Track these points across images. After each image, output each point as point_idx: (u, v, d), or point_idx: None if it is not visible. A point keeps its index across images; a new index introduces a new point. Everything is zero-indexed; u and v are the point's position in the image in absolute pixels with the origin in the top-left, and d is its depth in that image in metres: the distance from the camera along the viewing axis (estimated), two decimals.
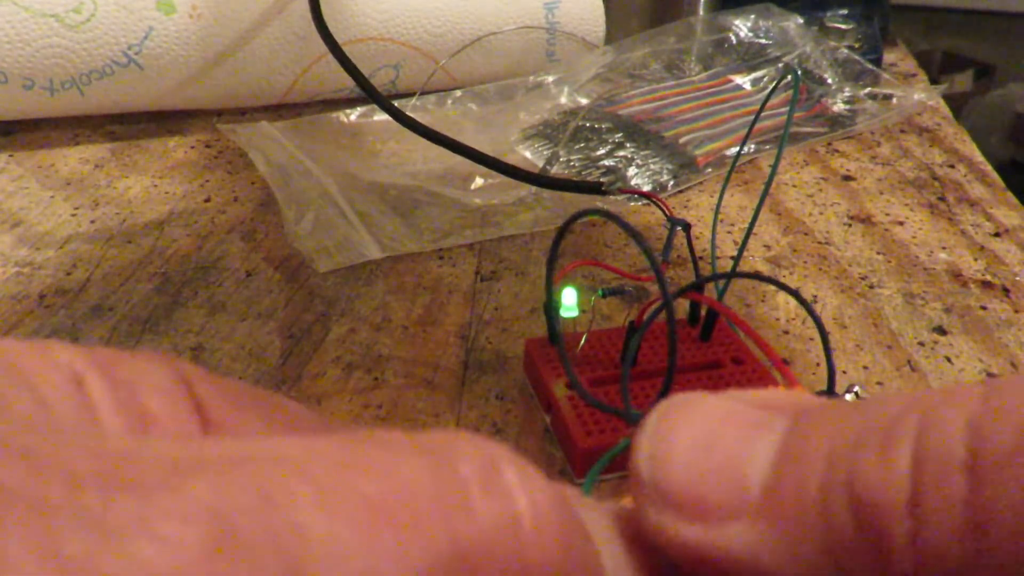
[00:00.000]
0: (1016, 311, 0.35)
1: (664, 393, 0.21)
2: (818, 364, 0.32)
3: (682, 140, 0.47)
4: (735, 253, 0.39)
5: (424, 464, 0.08)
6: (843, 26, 0.59)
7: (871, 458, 0.10)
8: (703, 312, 0.30)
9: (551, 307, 0.28)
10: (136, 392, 0.11)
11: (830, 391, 0.23)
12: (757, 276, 0.29)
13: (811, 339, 0.33)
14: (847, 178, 0.46)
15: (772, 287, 0.36)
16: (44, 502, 0.07)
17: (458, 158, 0.40)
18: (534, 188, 0.41)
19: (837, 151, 0.50)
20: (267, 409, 0.12)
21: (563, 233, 0.23)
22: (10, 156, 0.46)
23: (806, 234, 0.41)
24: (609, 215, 0.21)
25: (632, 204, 0.42)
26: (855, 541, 0.10)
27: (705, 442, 0.11)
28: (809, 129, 0.51)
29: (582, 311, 0.32)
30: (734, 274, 0.32)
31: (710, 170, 0.45)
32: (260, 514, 0.07)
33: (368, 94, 0.42)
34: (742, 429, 0.11)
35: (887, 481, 0.10)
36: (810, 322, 0.34)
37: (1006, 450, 0.09)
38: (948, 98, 0.59)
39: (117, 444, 0.08)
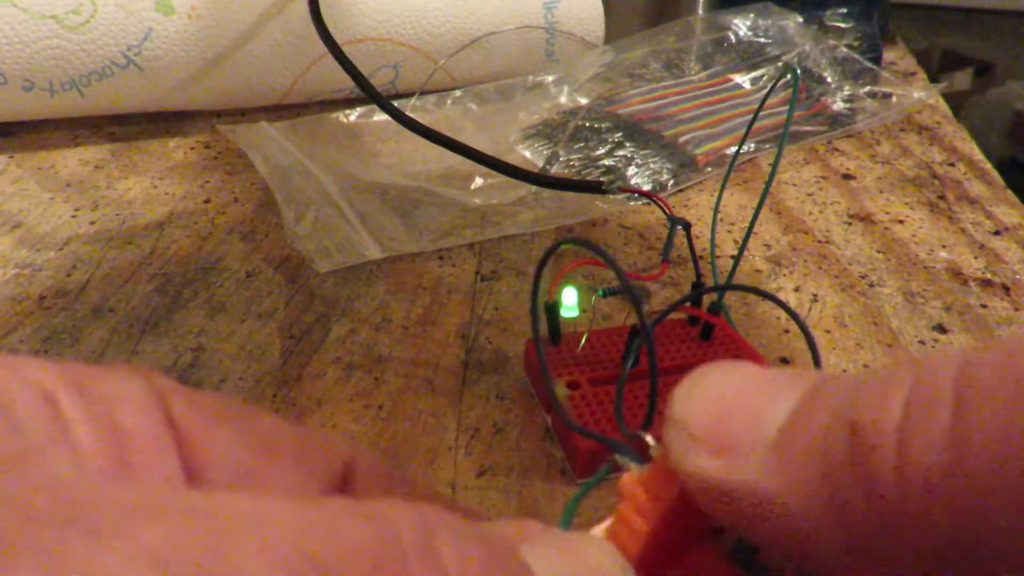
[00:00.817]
0: (1016, 309, 0.35)
1: (649, 417, 0.22)
2: (818, 363, 0.31)
3: (682, 139, 0.47)
4: (735, 252, 0.39)
5: (367, 530, 0.09)
6: (842, 25, 0.59)
7: (869, 396, 0.11)
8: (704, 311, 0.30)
9: (549, 308, 0.28)
10: (110, 408, 0.11)
11: None
12: (741, 288, 0.29)
13: None
14: (847, 177, 0.46)
15: (773, 285, 0.36)
16: (3, 533, 0.07)
17: (458, 158, 0.40)
18: (534, 188, 0.41)
19: (837, 150, 0.50)
20: (242, 424, 0.13)
21: (543, 265, 0.23)
22: (10, 157, 0.46)
23: (806, 233, 0.41)
24: (586, 244, 0.21)
25: (632, 203, 0.42)
26: (849, 466, 0.11)
27: (734, 393, 0.13)
28: (809, 128, 0.51)
29: (582, 311, 0.32)
30: (726, 287, 0.32)
31: (710, 169, 0.45)
32: (207, 564, 0.08)
33: (368, 94, 0.42)
34: (767, 387, 0.13)
35: (881, 410, 0.11)
36: (810, 320, 0.34)
37: (988, 388, 0.10)
38: (947, 96, 0.59)
39: (79, 487, 0.09)
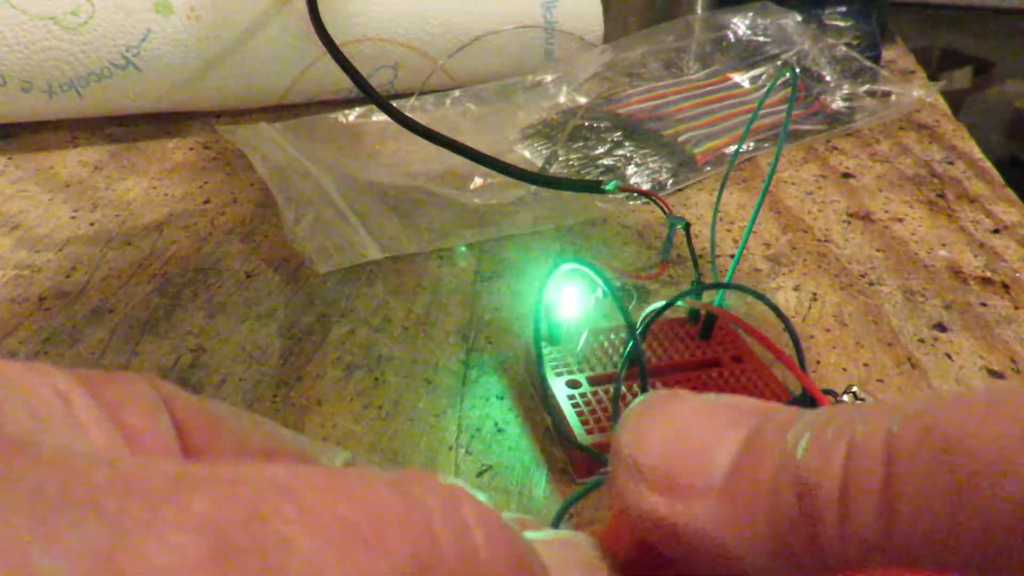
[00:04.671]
0: (1016, 307, 0.35)
1: None
2: (818, 362, 0.32)
3: (681, 138, 0.47)
4: (735, 251, 0.39)
5: (394, 494, 0.09)
6: (841, 23, 0.59)
7: (812, 455, 0.11)
8: (703, 311, 0.30)
9: (549, 309, 0.28)
10: (119, 411, 0.12)
11: (804, 397, 0.23)
12: (728, 286, 0.29)
13: (811, 336, 0.33)
14: (846, 175, 0.46)
15: (772, 284, 0.36)
16: (67, 497, 0.08)
17: (457, 158, 0.40)
18: (533, 188, 0.41)
19: (836, 148, 0.50)
20: (244, 429, 0.13)
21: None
22: (9, 159, 0.46)
23: (805, 232, 0.41)
24: (581, 262, 0.22)
25: (631, 203, 0.42)
26: (796, 522, 0.11)
27: (681, 430, 0.13)
28: (808, 127, 0.51)
29: (582, 310, 0.32)
30: (720, 285, 0.32)
31: (709, 168, 0.45)
32: (251, 528, 0.08)
33: (367, 94, 0.42)
34: (714, 424, 0.13)
35: (825, 470, 0.11)
36: (810, 319, 0.34)
37: (910, 448, 0.11)
38: (947, 95, 0.59)
39: (124, 460, 0.09)
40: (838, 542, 0.11)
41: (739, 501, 0.12)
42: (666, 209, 0.33)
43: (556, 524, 0.22)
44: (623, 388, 0.27)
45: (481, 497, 0.10)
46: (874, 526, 0.11)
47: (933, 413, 0.11)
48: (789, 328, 0.23)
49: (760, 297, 0.24)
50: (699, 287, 0.30)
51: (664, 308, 0.25)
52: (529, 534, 0.13)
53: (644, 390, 0.22)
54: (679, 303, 0.27)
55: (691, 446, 0.13)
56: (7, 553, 0.07)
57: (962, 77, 1.71)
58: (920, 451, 0.10)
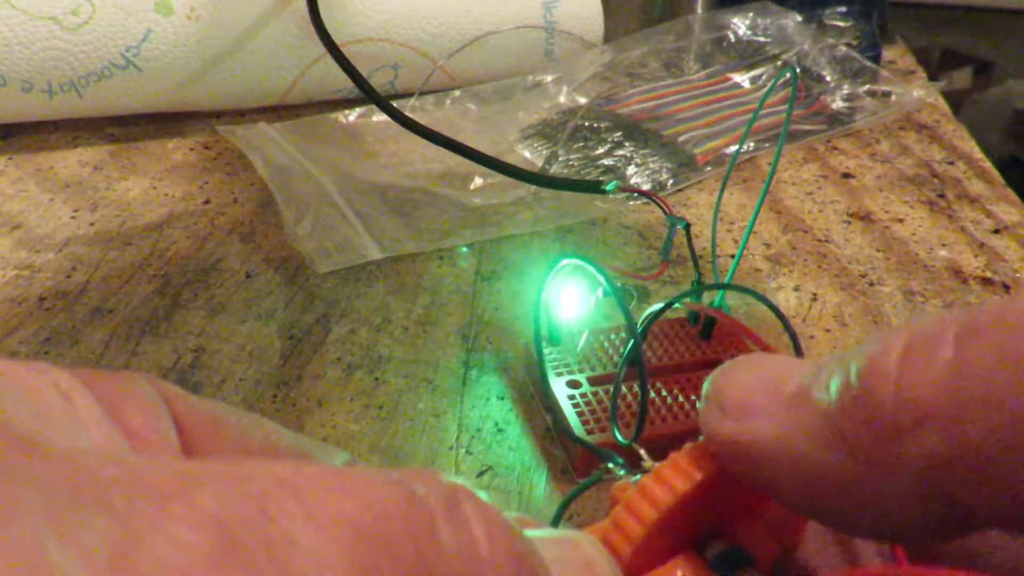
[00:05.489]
0: None
1: (640, 424, 0.22)
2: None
3: (681, 139, 0.47)
4: (735, 251, 0.39)
5: (397, 493, 0.10)
6: (841, 23, 0.59)
7: (871, 346, 0.13)
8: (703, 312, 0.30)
9: (549, 308, 0.28)
10: (120, 410, 0.12)
11: None
12: (728, 287, 0.29)
13: (811, 337, 0.33)
14: (846, 176, 0.46)
15: (772, 284, 0.36)
16: (78, 495, 0.08)
17: (457, 158, 0.40)
18: (533, 188, 0.41)
19: (836, 149, 0.50)
20: (244, 428, 0.13)
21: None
22: (9, 159, 0.46)
23: (806, 232, 0.41)
24: (582, 259, 0.22)
25: (632, 203, 0.42)
26: (852, 405, 0.12)
27: (759, 371, 0.15)
28: (808, 127, 0.51)
29: (582, 310, 0.32)
30: (720, 286, 0.32)
31: (709, 168, 0.45)
32: (257, 525, 0.08)
33: (367, 95, 0.42)
34: (785, 367, 0.14)
35: (882, 355, 0.12)
36: (810, 319, 0.34)
37: (988, 324, 0.11)
38: (947, 95, 0.59)
39: (131, 458, 0.09)
40: (893, 411, 0.12)
41: (802, 405, 0.13)
42: (666, 209, 0.33)
43: (556, 523, 0.22)
44: (623, 388, 0.27)
45: (482, 496, 0.11)
46: (936, 389, 0.11)
47: (1006, 301, 0.12)
48: (788, 328, 0.23)
49: (760, 298, 0.24)
50: (699, 288, 0.30)
51: (662, 310, 0.25)
52: (529, 533, 0.13)
53: (644, 390, 0.22)
54: (677, 305, 0.27)
55: (764, 380, 0.14)
56: (25, 548, 0.07)
57: (962, 77, 1.71)
58: (999, 323, 0.11)
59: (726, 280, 0.32)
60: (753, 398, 0.14)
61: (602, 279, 0.22)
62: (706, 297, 0.30)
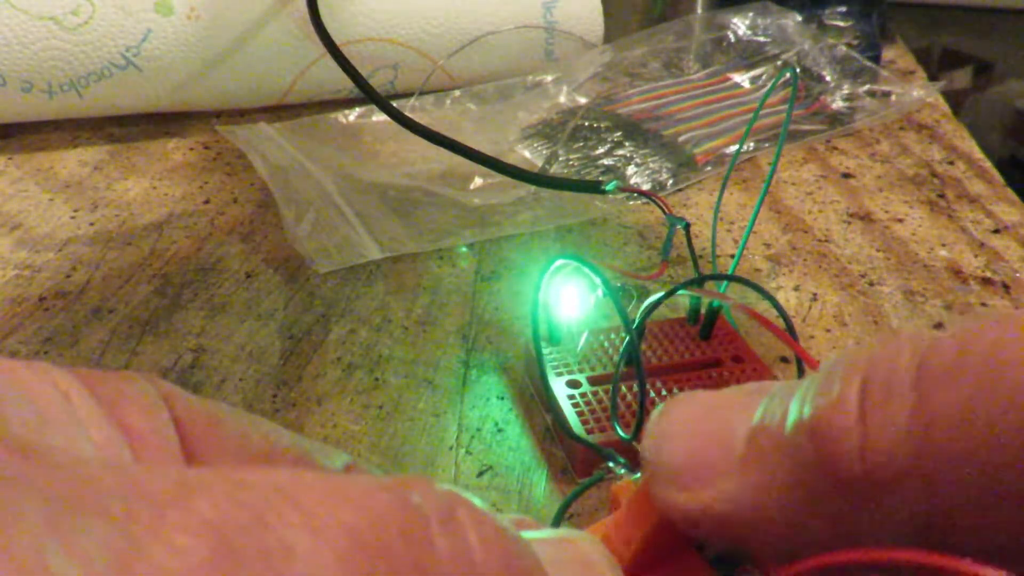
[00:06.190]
0: (1016, 307, 0.35)
1: (639, 423, 0.22)
2: (819, 360, 0.31)
3: (681, 138, 0.47)
4: (735, 251, 0.39)
5: (393, 500, 0.10)
6: (841, 23, 0.59)
7: (821, 396, 0.12)
8: (703, 310, 0.30)
9: (549, 308, 0.28)
10: (119, 409, 0.12)
11: None
12: (729, 277, 0.29)
13: (811, 337, 0.33)
14: (846, 176, 0.46)
15: (772, 284, 0.36)
16: (78, 502, 0.08)
17: (457, 158, 0.40)
18: (533, 188, 0.41)
19: (836, 149, 0.50)
20: (244, 428, 0.13)
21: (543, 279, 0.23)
22: (9, 159, 0.46)
23: (806, 232, 0.41)
24: (578, 260, 0.22)
25: (631, 203, 0.42)
26: (816, 464, 0.12)
27: (696, 428, 0.14)
28: (808, 127, 0.51)
29: (582, 310, 0.32)
30: (714, 276, 0.32)
31: (709, 168, 0.45)
32: (255, 532, 0.08)
33: (367, 95, 0.42)
34: (726, 412, 0.13)
35: (839, 404, 0.11)
36: (810, 319, 0.34)
37: (948, 366, 0.11)
38: (947, 95, 0.59)
39: (130, 464, 0.09)
40: (862, 470, 0.11)
41: (760, 465, 0.12)
42: (666, 209, 0.33)
43: (557, 523, 0.22)
44: (622, 387, 0.27)
45: (477, 501, 0.11)
46: (905, 440, 0.11)
47: (965, 333, 0.11)
48: (787, 321, 0.23)
49: (758, 289, 0.24)
50: (701, 277, 0.30)
51: (664, 298, 0.25)
52: (528, 534, 0.13)
53: (642, 389, 0.22)
54: (681, 291, 0.26)
55: (708, 438, 0.13)
56: (26, 555, 0.07)
57: (962, 77, 1.71)
58: (960, 367, 0.11)
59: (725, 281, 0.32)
60: (704, 457, 0.13)
61: (596, 278, 0.22)
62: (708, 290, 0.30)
